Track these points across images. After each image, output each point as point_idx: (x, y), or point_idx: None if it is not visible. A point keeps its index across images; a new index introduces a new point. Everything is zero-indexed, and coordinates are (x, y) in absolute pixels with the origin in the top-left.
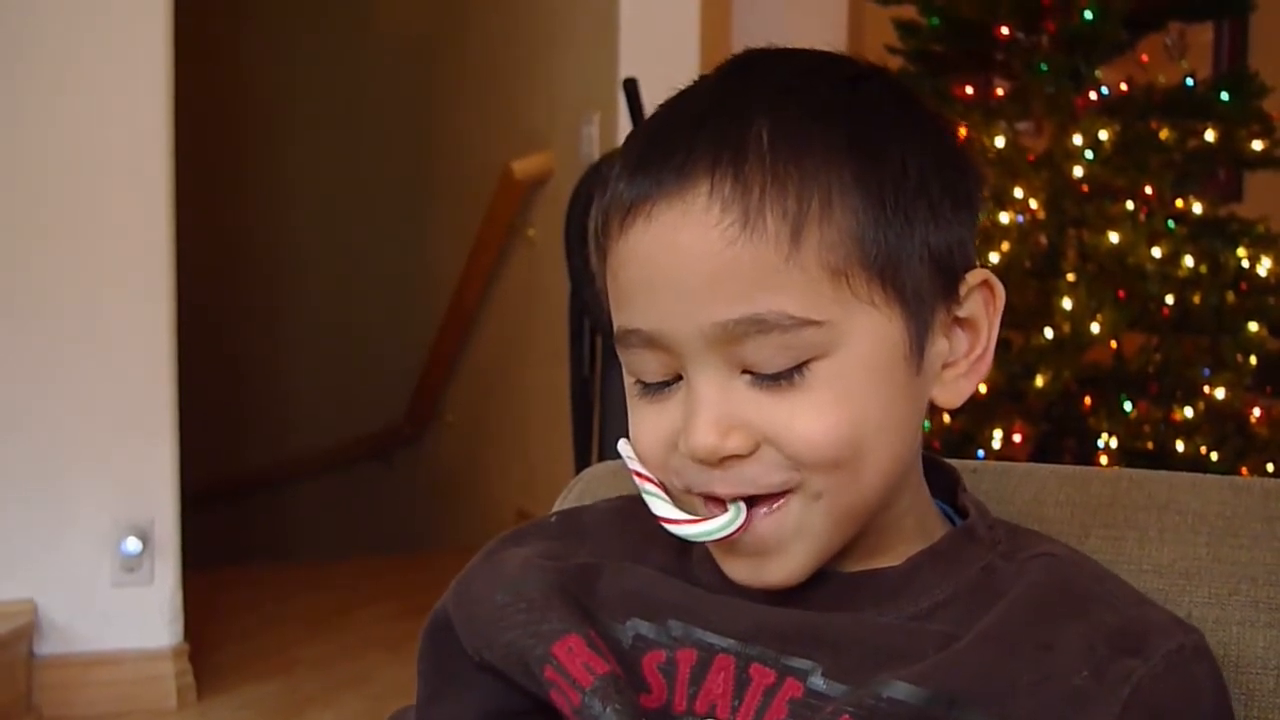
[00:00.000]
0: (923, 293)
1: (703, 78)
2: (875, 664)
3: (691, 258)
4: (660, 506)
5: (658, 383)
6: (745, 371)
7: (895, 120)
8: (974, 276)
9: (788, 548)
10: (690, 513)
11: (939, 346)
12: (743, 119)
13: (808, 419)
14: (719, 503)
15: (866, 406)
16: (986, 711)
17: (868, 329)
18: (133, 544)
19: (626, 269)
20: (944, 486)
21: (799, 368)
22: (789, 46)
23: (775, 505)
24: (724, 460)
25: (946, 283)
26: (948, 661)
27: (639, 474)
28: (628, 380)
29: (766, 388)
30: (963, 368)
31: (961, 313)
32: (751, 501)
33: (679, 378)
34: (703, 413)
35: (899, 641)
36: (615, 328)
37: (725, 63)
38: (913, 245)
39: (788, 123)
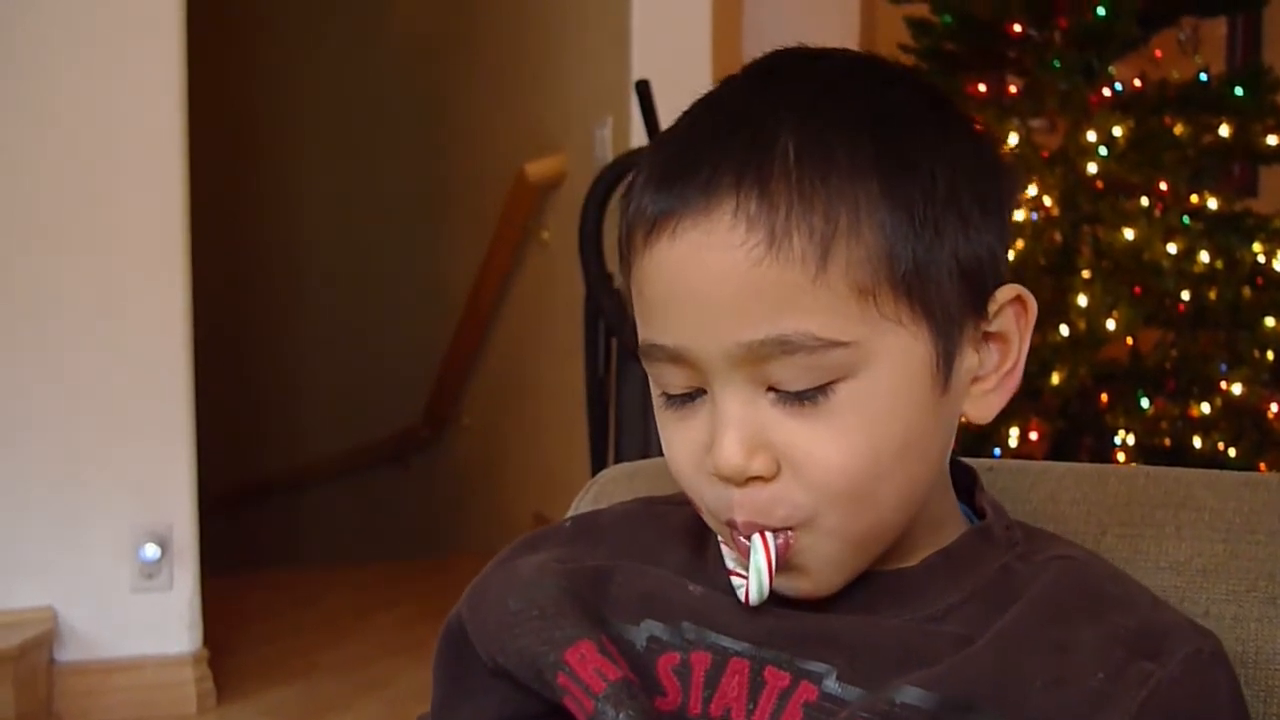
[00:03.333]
0: (951, 308)
1: (728, 80)
2: (890, 667)
3: (716, 277)
4: (741, 589)
5: (683, 395)
6: (771, 389)
7: (923, 128)
8: (1005, 293)
9: (810, 568)
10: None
11: (968, 361)
12: (768, 133)
13: (828, 447)
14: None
15: (889, 430)
16: (1002, 714)
17: (894, 348)
18: (151, 550)
19: (651, 284)
20: (962, 486)
21: (824, 388)
22: (817, 47)
23: (784, 538)
24: (747, 481)
25: (976, 297)
26: (962, 665)
27: (732, 572)
28: (653, 390)
29: (791, 407)
30: (992, 382)
31: (991, 327)
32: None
33: (703, 390)
34: (729, 431)
35: (914, 644)
36: (640, 340)
37: (751, 65)
38: (942, 258)
39: (813, 136)
